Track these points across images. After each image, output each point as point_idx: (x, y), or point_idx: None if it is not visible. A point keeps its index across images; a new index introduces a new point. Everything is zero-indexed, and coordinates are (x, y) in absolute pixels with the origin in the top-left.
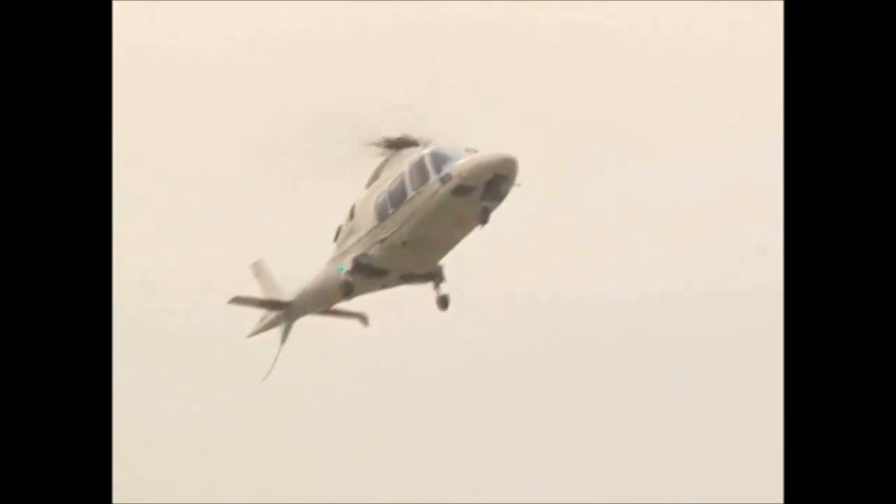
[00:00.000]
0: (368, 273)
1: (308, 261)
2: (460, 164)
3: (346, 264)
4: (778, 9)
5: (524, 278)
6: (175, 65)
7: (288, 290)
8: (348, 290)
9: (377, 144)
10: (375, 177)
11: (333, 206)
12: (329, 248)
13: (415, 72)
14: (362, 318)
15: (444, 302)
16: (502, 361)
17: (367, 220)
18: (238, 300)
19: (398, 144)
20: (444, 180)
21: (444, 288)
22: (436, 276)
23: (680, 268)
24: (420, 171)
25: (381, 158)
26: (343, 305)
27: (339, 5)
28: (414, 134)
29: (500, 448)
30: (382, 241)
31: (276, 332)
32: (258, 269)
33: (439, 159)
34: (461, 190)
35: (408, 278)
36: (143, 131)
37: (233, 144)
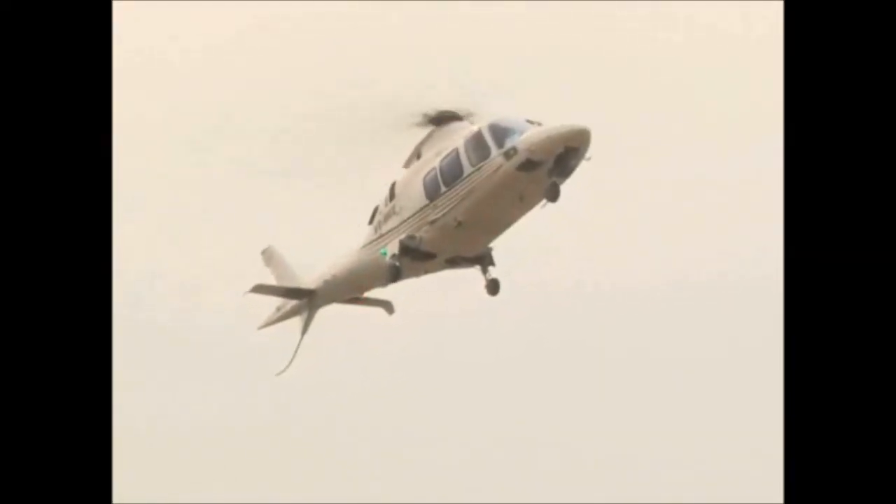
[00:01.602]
0: (414, 256)
1: (325, 246)
2: (527, 137)
3: (392, 247)
4: (778, 9)
5: (517, 270)
6: (176, 62)
7: (304, 277)
8: (395, 275)
9: (417, 120)
10: (416, 155)
11: (360, 188)
12: (353, 232)
13: (409, 66)
14: (387, 306)
15: (494, 286)
16: (490, 355)
17: (414, 200)
18: (260, 289)
19: (441, 119)
20: (508, 155)
21: (494, 272)
22: (484, 260)
23: (678, 267)
24: (478, 145)
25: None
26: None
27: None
28: (456, 108)
29: (492, 448)
30: (433, 221)
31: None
32: (269, 256)
33: (500, 132)
34: (528, 165)
35: (454, 262)
36: (143, 131)
37: (239, 136)
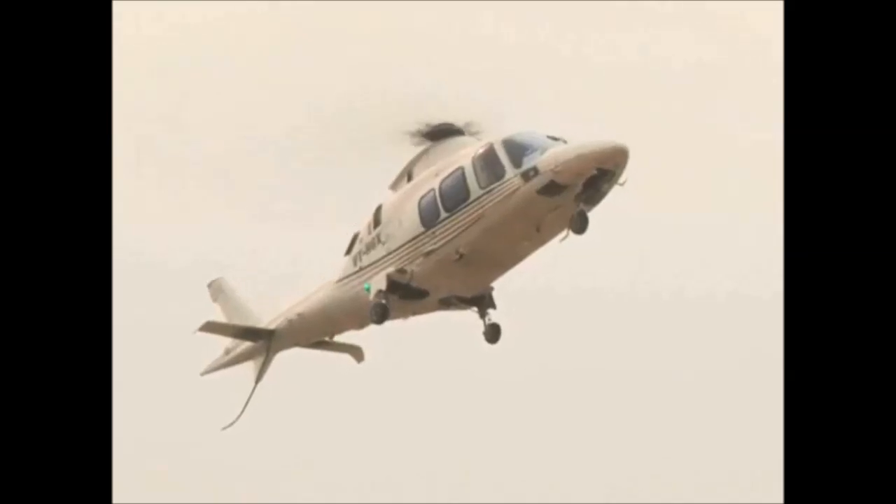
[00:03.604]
0: (404, 294)
1: (288, 280)
2: (552, 156)
3: (377, 283)
4: (778, 8)
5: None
6: (175, 60)
7: (261, 313)
8: (382, 315)
9: (411, 133)
10: (407, 175)
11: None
12: (324, 264)
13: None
14: (357, 351)
15: (494, 332)
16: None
17: (406, 227)
18: (210, 327)
19: (438, 134)
20: (527, 176)
21: (494, 315)
22: (484, 301)
23: (679, 267)
24: (490, 163)
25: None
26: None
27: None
28: (456, 120)
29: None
30: (429, 253)
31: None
32: (218, 289)
33: (517, 149)
34: (552, 188)
35: (448, 303)
36: (143, 127)
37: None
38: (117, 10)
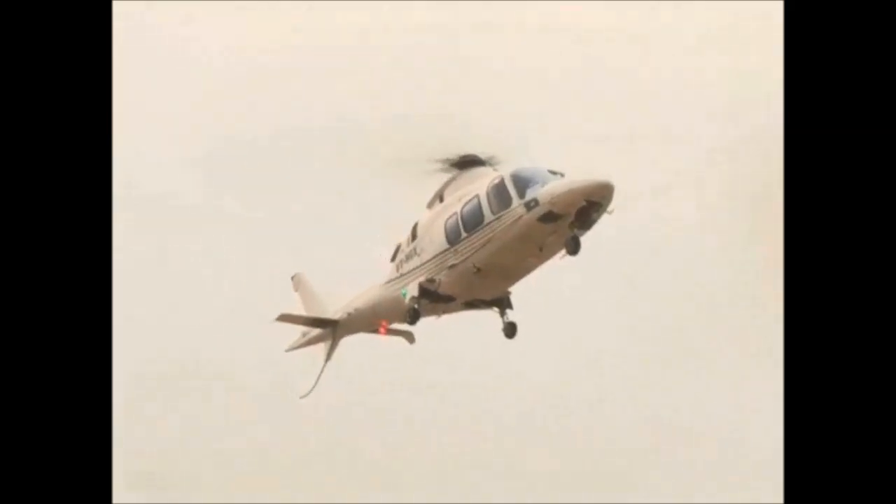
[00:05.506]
0: (433, 299)
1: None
2: (549, 189)
3: (412, 290)
4: (778, 8)
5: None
6: (177, 67)
7: (330, 304)
8: (414, 317)
9: (441, 163)
10: (439, 198)
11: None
12: (375, 265)
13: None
14: (409, 335)
15: (511, 330)
16: None
17: (435, 243)
18: (285, 318)
19: (464, 163)
20: (529, 206)
21: (511, 315)
22: (502, 303)
23: (681, 269)
24: (500, 194)
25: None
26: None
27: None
28: (479, 152)
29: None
30: (453, 266)
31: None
32: (298, 282)
33: (522, 182)
34: (549, 217)
35: (473, 304)
36: (143, 130)
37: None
38: (117, 10)
